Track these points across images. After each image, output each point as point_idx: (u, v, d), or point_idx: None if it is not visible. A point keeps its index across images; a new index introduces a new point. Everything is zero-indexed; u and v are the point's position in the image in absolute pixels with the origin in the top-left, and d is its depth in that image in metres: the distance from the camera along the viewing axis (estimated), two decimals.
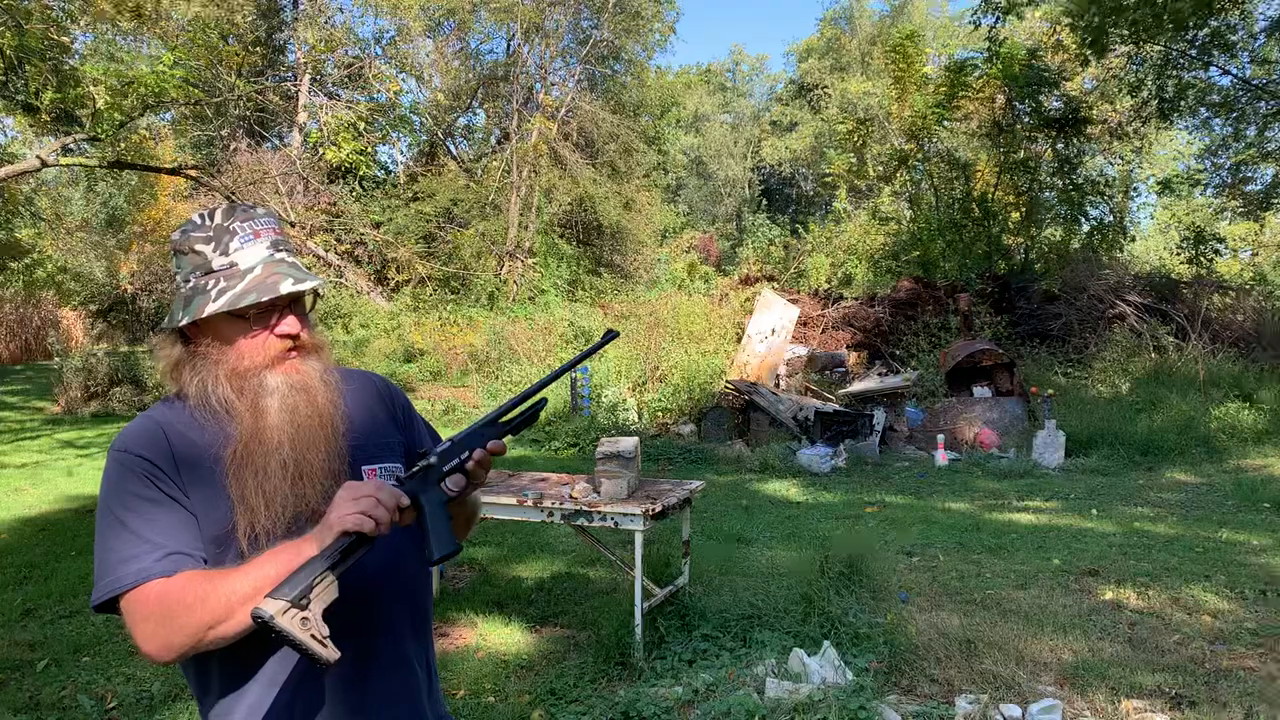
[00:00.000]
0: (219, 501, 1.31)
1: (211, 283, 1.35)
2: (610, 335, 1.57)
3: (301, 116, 21.48)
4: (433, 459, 1.34)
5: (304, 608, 1.13)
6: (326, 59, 21.53)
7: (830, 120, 29.71)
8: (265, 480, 1.31)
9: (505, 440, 1.41)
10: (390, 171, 24.73)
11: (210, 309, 1.32)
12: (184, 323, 1.34)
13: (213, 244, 1.36)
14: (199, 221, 1.39)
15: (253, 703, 1.31)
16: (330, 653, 1.15)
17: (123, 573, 1.27)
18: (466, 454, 1.36)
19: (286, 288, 1.33)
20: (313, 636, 1.13)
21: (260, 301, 1.32)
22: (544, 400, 1.44)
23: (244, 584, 1.20)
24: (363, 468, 1.44)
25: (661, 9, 23.09)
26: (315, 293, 1.45)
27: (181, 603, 1.23)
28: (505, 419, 1.41)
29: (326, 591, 1.17)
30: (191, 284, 1.37)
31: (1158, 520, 6.76)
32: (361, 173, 21.85)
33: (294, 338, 1.38)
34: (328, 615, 1.19)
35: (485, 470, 1.41)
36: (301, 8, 21.90)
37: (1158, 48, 15.02)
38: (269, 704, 1.31)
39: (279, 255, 1.39)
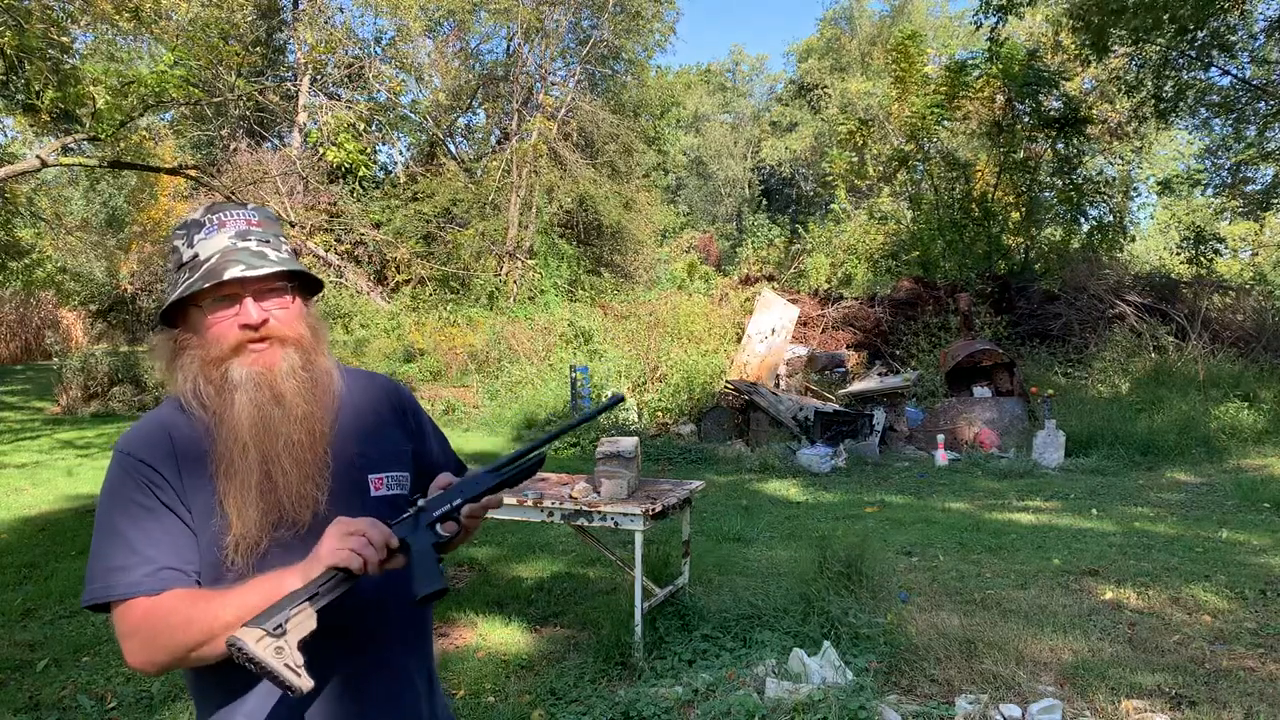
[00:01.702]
0: (213, 509, 1.30)
1: (181, 276, 1.36)
2: (616, 399, 1.59)
3: (301, 116, 21.47)
4: (423, 505, 1.34)
5: (279, 637, 1.15)
6: (326, 59, 21.52)
7: (831, 120, 29.70)
8: (236, 485, 1.30)
9: (500, 495, 1.40)
10: (390, 171, 24.74)
11: (170, 300, 1.35)
12: (158, 316, 1.39)
13: (184, 239, 1.39)
14: (181, 220, 1.42)
15: (250, 710, 1.31)
16: (303, 681, 1.15)
17: (112, 582, 1.27)
18: (460, 501, 1.35)
19: (233, 273, 1.32)
20: (286, 665, 1.14)
21: (204, 287, 1.31)
22: (543, 456, 1.44)
23: (226, 611, 1.21)
24: (369, 476, 1.42)
25: (661, 9, 23.07)
26: (309, 281, 1.44)
27: (165, 624, 1.23)
28: (501, 469, 1.41)
29: (303, 621, 1.18)
30: (171, 280, 1.39)
31: (1158, 520, 6.76)
32: (361, 173, 21.85)
33: (254, 327, 1.35)
34: (324, 626, 1.20)
35: (477, 521, 1.40)
36: (301, 8, 21.90)
37: (1157, 48, 15.03)
38: (267, 713, 1.30)
39: (242, 244, 1.36)
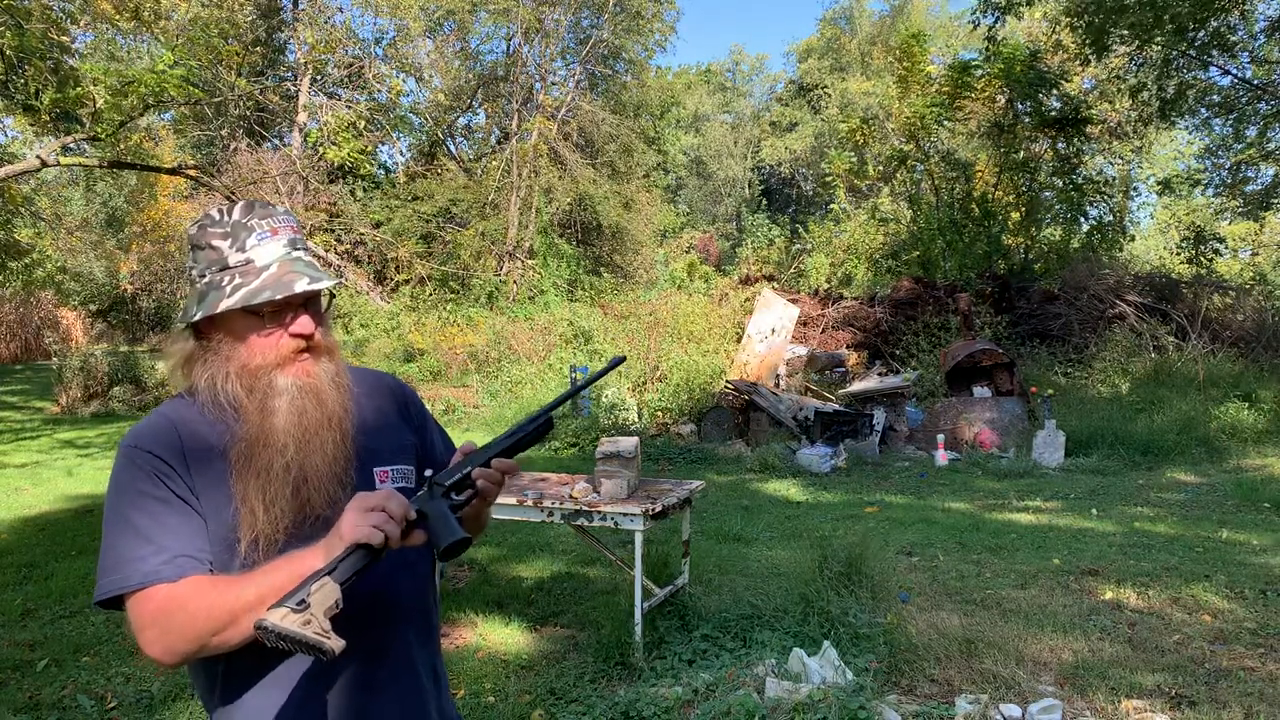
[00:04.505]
0: (227, 502, 1.30)
1: (227, 279, 1.33)
2: (617, 360, 1.57)
3: (301, 116, 21.48)
4: (435, 477, 1.35)
5: (303, 610, 1.15)
6: (326, 59, 21.53)
7: (831, 120, 29.72)
8: (268, 483, 1.29)
9: (513, 459, 1.40)
10: (390, 171, 24.75)
11: (225, 305, 1.31)
12: (198, 317, 1.33)
13: (230, 240, 1.35)
14: (216, 217, 1.37)
15: (258, 706, 1.30)
16: (334, 642, 1.16)
17: (128, 573, 1.25)
18: (470, 468, 1.36)
19: (302, 286, 1.32)
20: (315, 632, 1.15)
21: (275, 299, 1.31)
22: (550, 421, 1.44)
23: (248, 592, 1.20)
24: (375, 470, 1.43)
25: (661, 9, 23.09)
26: (330, 292, 1.44)
27: (185, 610, 1.22)
28: (510, 439, 1.41)
29: (325, 593, 1.18)
30: (207, 279, 1.35)
31: (1158, 520, 6.76)
32: (362, 172, 21.87)
33: (307, 338, 1.36)
34: (338, 619, 1.19)
35: (495, 486, 1.38)
36: (301, 8, 21.90)
37: (1158, 48, 15.03)
38: (276, 707, 1.30)
39: (296, 253, 1.37)
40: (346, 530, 1.21)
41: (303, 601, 1.15)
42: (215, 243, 1.36)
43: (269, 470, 1.30)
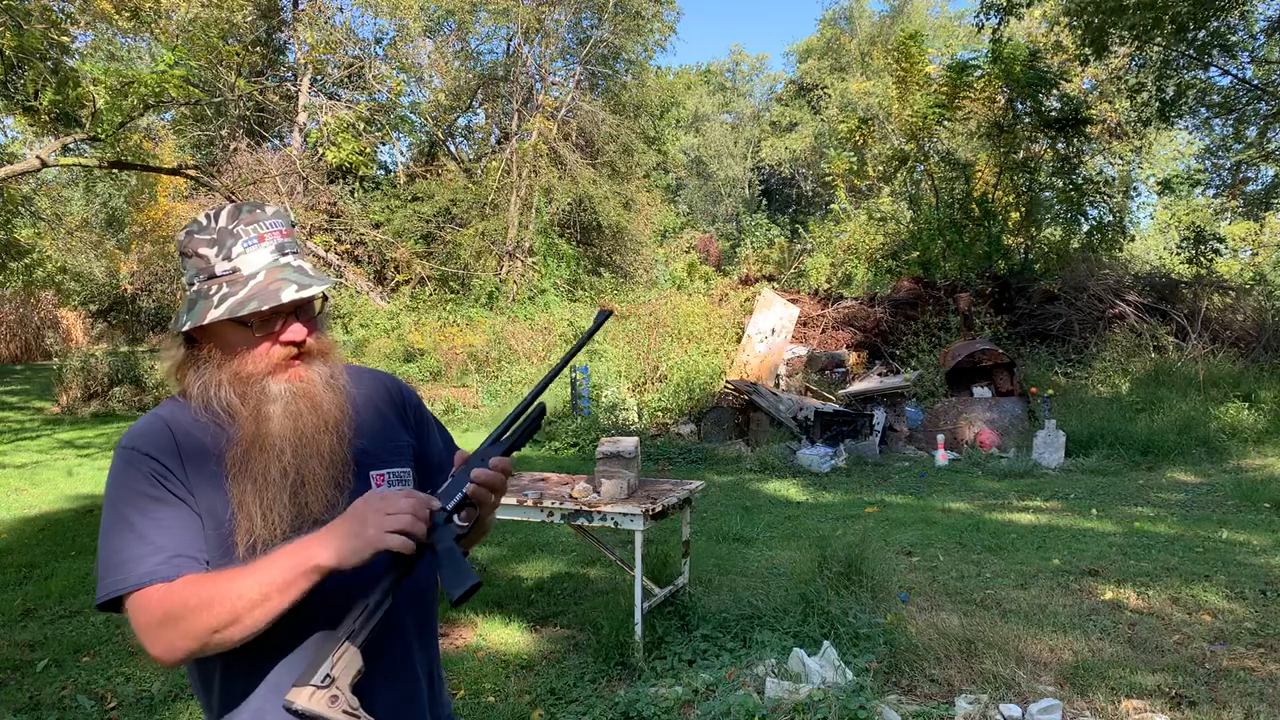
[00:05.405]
0: (224, 507, 1.30)
1: (214, 288, 1.32)
2: (604, 315, 1.50)
3: (301, 117, 21.47)
4: (438, 499, 1.32)
5: (328, 686, 1.15)
6: (326, 59, 21.53)
7: (830, 120, 29.72)
8: (265, 488, 1.29)
9: (511, 457, 1.38)
10: (390, 171, 24.74)
11: (212, 315, 1.30)
12: (187, 327, 1.33)
13: (216, 247, 1.34)
14: (204, 223, 1.36)
15: (256, 708, 1.30)
16: None
17: (126, 574, 1.25)
18: (468, 485, 1.33)
19: (289, 295, 1.30)
20: (344, 711, 1.15)
21: (262, 309, 1.30)
22: (542, 407, 1.40)
23: (248, 589, 1.19)
24: (371, 473, 1.42)
25: (661, 9, 23.06)
26: (324, 294, 1.42)
27: (185, 607, 1.22)
28: (504, 437, 1.39)
29: (348, 662, 1.17)
30: (195, 288, 1.34)
31: (1158, 520, 6.76)
32: (362, 172, 21.86)
33: (298, 344, 1.35)
34: (334, 625, 1.19)
35: (494, 493, 1.36)
36: (301, 8, 21.90)
37: (1158, 48, 15.04)
38: (273, 709, 1.29)
39: (284, 259, 1.35)
40: (374, 535, 1.19)
41: (327, 677, 1.15)
42: (202, 250, 1.34)
43: (266, 475, 1.29)
